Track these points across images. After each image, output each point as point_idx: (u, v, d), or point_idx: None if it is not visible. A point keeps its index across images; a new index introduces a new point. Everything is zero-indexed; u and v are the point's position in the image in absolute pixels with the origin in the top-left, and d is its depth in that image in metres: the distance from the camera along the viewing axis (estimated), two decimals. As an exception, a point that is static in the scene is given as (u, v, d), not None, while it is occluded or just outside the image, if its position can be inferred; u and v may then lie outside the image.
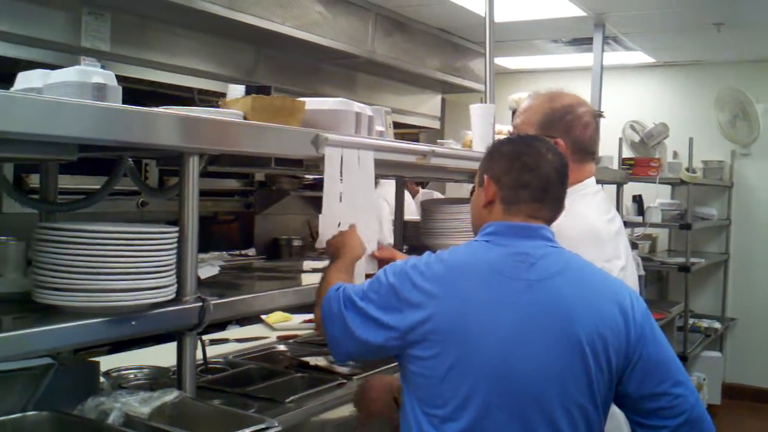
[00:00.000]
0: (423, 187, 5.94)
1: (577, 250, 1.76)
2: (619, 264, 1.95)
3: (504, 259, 1.66)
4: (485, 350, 1.59)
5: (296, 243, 5.95)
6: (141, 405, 1.65)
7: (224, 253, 4.49)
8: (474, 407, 1.58)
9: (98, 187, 2.11)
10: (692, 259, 5.92)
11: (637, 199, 6.10)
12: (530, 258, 1.65)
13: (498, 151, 1.79)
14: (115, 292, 1.56)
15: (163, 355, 2.46)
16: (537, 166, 1.71)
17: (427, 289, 1.62)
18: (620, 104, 6.33)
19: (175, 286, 1.72)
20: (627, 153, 5.86)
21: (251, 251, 5.28)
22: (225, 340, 3.26)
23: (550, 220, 1.74)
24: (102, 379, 2.19)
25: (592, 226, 1.97)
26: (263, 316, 3.67)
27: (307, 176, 5.05)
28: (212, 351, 2.95)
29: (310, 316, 3.78)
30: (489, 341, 1.59)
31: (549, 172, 1.71)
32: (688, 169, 5.91)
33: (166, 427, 1.59)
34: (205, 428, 1.60)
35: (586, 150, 2.09)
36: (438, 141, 3.37)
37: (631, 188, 5.59)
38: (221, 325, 3.71)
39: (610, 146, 5.39)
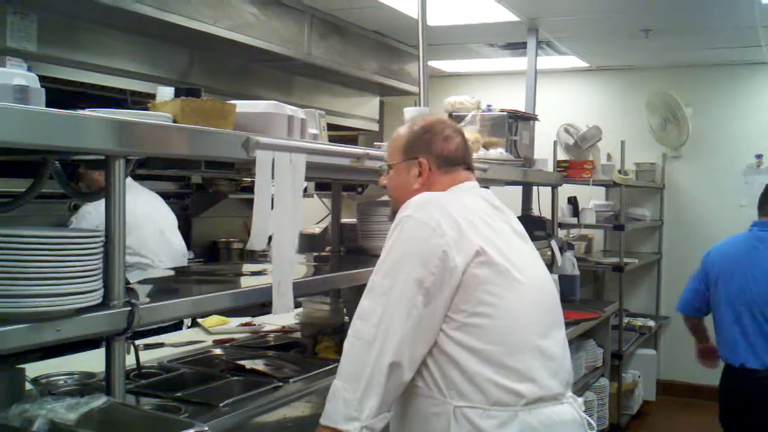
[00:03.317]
0: (362, 192, 5.95)
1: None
2: (475, 244, 1.93)
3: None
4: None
5: (236, 246, 5.92)
6: (68, 411, 1.62)
7: (160, 257, 4.43)
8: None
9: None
10: (626, 259, 6.05)
11: (572, 201, 6.22)
12: None
13: None
14: (39, 298, 1.54)
15: (97, 361, 2.42)
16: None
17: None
18: (554, 108, 6.46)
19: (102, 290, 1.70)
20: (561, 155, 5.97)
21: (189, 254, 5.22)
22: (160, 345, 3.22)
23: None
24: (30, 386, 2.15)
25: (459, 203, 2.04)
26: (200, 320, 3.64)
27: (245, 179, 5.03)
28: (147, 355, 2.91)
29: (247, 319, 3.77)
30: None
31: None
32: (620, 171, 6.04)
33: (93, 433, 1.56)
34: (133, 434, 1.58)
35: (453, 161, 2.15)
36: (375, 143, 3.39)
37: (565, 190, 5.70)
38: (158, 330, 3.67)
39: (544, 149, 5.48)
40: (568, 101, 7.00)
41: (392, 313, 1.87)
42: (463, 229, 1.92)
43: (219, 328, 3.59)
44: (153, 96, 2.18)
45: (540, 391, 1.91)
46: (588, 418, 2.03)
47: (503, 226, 2.06)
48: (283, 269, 2.20)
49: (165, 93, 2.13)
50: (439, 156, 2.13)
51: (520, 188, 5.06)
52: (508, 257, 1.95)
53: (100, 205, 3.74)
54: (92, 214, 3.89)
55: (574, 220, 6.04)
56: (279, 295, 2.19)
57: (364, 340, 1.88)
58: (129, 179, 3.39)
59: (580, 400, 2.06)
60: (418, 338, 1.88)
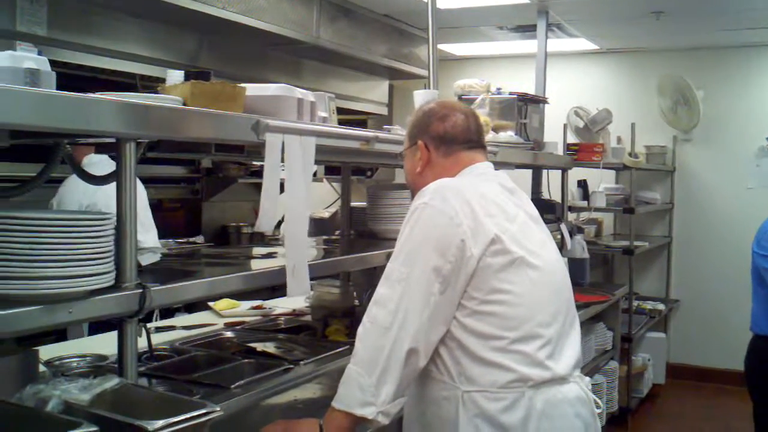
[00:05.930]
0: (371, 175, 5.95)
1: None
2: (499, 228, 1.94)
3: None
4: None
5: (245, 230, 5.94)
6: (81, 392, 1.63)
7: (171, 240, 4.47)
8: None
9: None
10: (636, 243, 6.04)
11: (582, 184, 6.20)
12: None
13: None
14: (51, 280, 1.54)
15: (110, 343, 2.44)
16: None
17: None
18: (565, 91, 6.43)
19: (114, 272, 1.71)
20: (572, 139, 5.95)
21: (199, 239, 5.25)
22: (171, 328, 3.25)
23: None
24: (43, 368, 2.17)
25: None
26: (211, 303, 3.66)
27: (254, 163, 5.03)
28: (159, 338, 2.93)
29: (258, 302, 3.79)
30: None
31: None
32: (631, 154, 6.02)
33: (106, 413, 1.58)
34: (146, 414, 1.59)
35: (453, 140, 2.12)
36: (384, 127, 3.38)
37: (576, 173, 5.69)
38: (169, 312, 3.70)
39: (554, 132, 5.47)
40: (578, 84, 6.96)
41: (410, 300, 1.88)
42: (479, 217, 1.92)
43: (230, 311, 3.61)
44: (163, 80, 2.19)
45: (548, 374, 1.92)
46: (594, 397, 2.04)
47: (518, 211, 2.06)
48: (298, 252, 2.20)
49: (175, 76, 2.13)
50: (436, 136, 2.11)
51: (529, 171, 5.05)
52: (523, 244, 1.95)
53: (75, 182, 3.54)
54: (74, 193, 3.80)
55: (584, 204, 6.03)
56: (294, 278, 2.19)
57: (381, 326, 1.88)
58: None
59: (587, 379, 2.07)
60: (434, 325, 1.90)
